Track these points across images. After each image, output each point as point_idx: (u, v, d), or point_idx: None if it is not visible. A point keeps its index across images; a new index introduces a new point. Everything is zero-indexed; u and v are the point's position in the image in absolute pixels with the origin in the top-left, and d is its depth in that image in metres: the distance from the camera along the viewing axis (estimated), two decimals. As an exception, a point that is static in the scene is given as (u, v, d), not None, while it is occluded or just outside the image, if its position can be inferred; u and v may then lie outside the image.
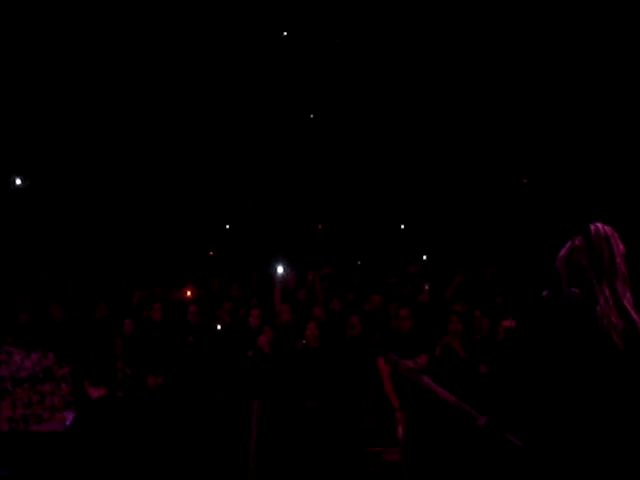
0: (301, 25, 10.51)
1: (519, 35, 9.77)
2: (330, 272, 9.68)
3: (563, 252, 2.77)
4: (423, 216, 11.98)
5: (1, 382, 6.04)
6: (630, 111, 9.54)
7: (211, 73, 10.82)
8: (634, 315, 2.58)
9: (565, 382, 2.54)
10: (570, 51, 9.62)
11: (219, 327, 7.76)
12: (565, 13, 9.34)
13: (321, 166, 11.95)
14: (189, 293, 8.93)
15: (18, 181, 10.32)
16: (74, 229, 11.09)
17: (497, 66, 10.24)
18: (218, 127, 11.54)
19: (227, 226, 12.51)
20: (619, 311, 2.56)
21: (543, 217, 10.35)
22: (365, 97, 11.14)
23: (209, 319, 7.94)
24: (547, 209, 10.44)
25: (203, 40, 10.35)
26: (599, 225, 2.69)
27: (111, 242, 11.30)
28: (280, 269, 9.16)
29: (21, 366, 6.13)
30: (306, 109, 11.67)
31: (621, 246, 2.68)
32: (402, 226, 12.07)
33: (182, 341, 7.37)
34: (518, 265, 9.58)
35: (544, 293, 2.66)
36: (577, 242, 2.72)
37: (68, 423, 5.59)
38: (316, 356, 6.93)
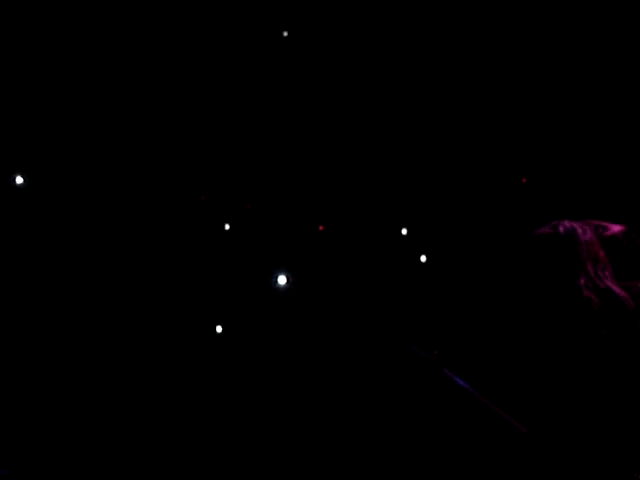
0: (301, 25, 10.54)
1: (519, 35, 9.80)
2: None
3: None
4: (421, 216, 11.99)
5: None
6: (630, 111, 9.56)
7: (211, 73, 10.84)
8: (616, 289, 2.53)
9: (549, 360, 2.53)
10: (570, 51, 9.65)
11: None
12: (565, 13, 9.38)
13: (322, 168, 11.97)
14: None
15: (19, 179, 10.35)
16: (75, 232, 11.11)
17: (497, 67, 10.26)
18: (219, 129, 11.56)
19: (226, 227, 12.53)
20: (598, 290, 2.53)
21: (543, 217, 10.36)
22: (365, 98, 11.16)
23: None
24: (547, 209, 10.46)
25: (203, 42, 10.38)
26: (564, 223, 2.64)
27: (111, 244, 11.31)
28: (282, 280, 9.05)
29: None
30: (305, 109, 11.70)
31: (589, 235, 2.64)
32: (404, 228, 12.06)
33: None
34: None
35: None
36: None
37: None
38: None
